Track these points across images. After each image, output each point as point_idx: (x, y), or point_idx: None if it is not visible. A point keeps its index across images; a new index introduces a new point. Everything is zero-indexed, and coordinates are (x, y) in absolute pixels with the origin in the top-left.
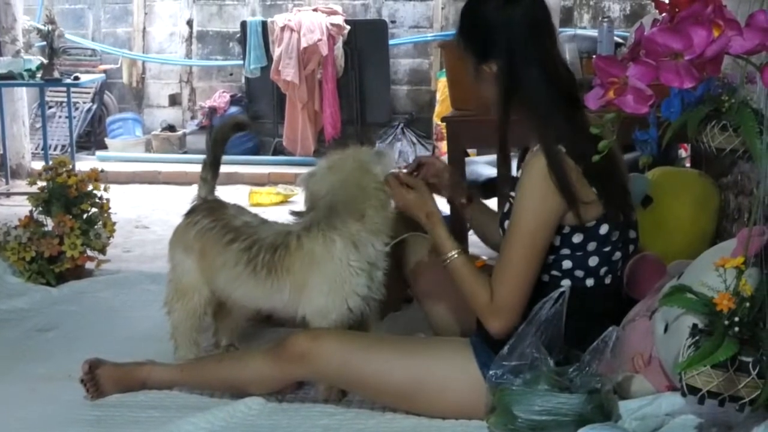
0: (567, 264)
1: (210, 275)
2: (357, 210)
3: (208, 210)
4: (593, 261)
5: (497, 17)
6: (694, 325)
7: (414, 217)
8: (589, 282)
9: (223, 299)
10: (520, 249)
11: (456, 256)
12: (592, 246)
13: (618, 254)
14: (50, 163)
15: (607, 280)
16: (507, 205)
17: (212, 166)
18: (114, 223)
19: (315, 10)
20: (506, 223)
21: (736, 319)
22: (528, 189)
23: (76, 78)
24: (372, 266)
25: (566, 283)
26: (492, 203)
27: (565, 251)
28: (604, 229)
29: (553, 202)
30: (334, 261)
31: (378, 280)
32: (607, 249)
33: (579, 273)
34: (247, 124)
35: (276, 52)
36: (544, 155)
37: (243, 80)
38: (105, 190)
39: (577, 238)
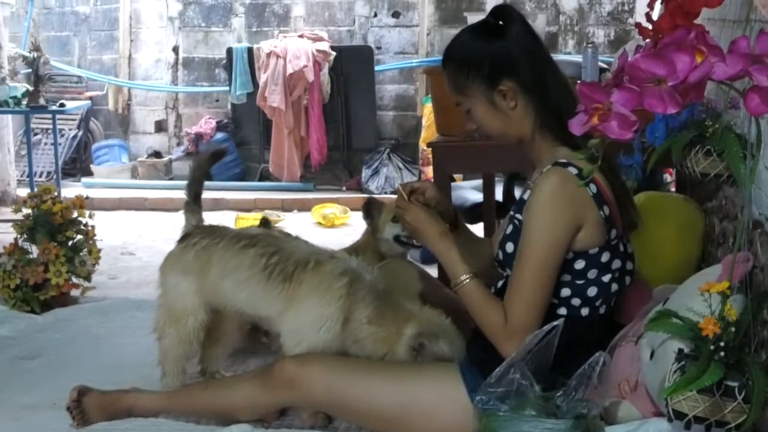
0: (566, 292)
1: (213, 285)
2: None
3: (206, 232)
4: (592, 291)
5: (491, 41)
6: (680, 350)
7: (424, 237)
8: (584, 311)
9: (220, 306)
10: (533, 270)
11: (469, 280)
12: (592, 273)
13: (615, 286)
14: (35, 190)
15: (602, 311)
16: (510, 227)
17: (195, 201)
18: (99, 250)
19: (301, 36)
20: (507, 244)
21: (722, 343)
22: (540, 210)
23: (62, 105)
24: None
25: (562, 311)
26: (477, 228)
27: (566, 278)
28: (605, 256)
29: (565, 222)
30: (325, 299)
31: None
32: (606, 278)
33: (576, 301)
34: (224, 150)
35: (262, 78)
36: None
37: (229, 106)
38: (90, 216)
39: (579, 265)
